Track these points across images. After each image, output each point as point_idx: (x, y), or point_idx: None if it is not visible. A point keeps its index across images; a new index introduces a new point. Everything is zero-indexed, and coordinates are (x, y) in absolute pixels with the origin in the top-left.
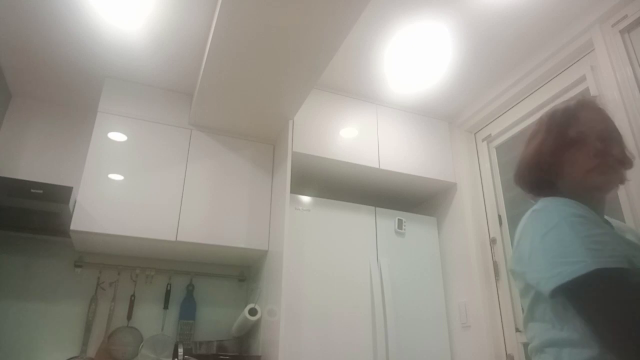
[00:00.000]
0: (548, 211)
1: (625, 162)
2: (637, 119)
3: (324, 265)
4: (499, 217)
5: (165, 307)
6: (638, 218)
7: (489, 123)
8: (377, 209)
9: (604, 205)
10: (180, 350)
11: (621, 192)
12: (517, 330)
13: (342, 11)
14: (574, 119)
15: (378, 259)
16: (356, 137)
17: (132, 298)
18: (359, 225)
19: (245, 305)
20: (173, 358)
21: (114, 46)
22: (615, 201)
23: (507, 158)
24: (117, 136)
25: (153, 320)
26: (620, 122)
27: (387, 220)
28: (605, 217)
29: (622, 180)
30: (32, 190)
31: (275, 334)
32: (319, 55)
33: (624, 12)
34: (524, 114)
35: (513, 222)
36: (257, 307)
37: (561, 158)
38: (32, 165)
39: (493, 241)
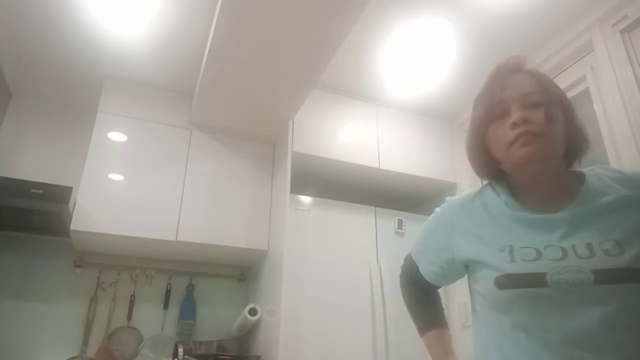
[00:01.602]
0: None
1: (552, 130)
2: (637, 119)
3: (324, 265)
4: None
5: (165, 307)
6: None
7: None
8: (377, 209)
9: (550, 183)
10: (180, 350)
11: None
12: None
13: (342, 11)
14: (492, 89)
15: (378, 259)
16: (356, 137)
17: (132, 298)
18: (359, 225)
19: (245, 305)
20: (173, 358)
21: (114, 46)
22: None
23: None
24: (117, 136)
25: (153, 320)
26: (621, 122)
27: (387, 220)
28: (586, 170)
29: (554, 152)
30: (32, 190)
31: (275, 334)
32: (319, 55)
33: (624, 12)
34: None
35: None
36: (257, 307)
37: (488, 137)
38: (32, 165)
39: None
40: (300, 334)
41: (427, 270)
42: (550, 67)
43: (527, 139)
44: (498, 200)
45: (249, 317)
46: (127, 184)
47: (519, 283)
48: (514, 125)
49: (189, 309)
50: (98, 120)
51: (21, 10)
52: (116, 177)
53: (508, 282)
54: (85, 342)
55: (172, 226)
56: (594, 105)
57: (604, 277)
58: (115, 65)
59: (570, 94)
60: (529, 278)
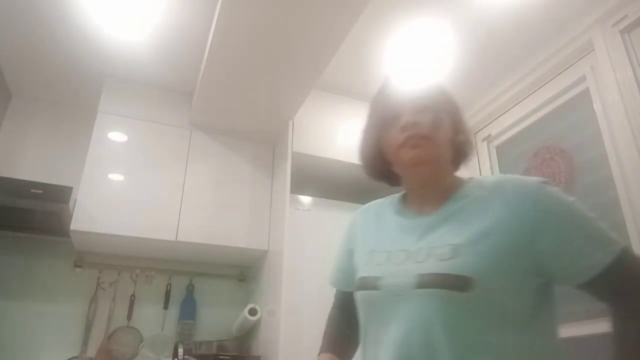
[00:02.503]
0: None
1: (438, 132)
2: (637, 119)
3: (324, 265)
4: None
5: (165, 307)
6: (638, 217)
7: (489, 123)
8: None
9: (435, 186)
10: (180, 350)
11: (621, 191)
12: None
13: (342, 11)
14: (387, 92)
15: None
16: (356, 137)
17: (132, 298)
18: None
19: (245, 305)
20: (173, 358)
21: (114, 46)
22: (615, 200)
23: (507, 158)
24: (117, 136)
25: (153, 320)
26: (620, 122)
27: None
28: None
29: (441, 154)
30: (32, 190)
31: (275, 333)
32: (319, 55)
33: (624, 12)
34: (524, 114)
35: None
36: (257, 307)
37: (381, 140)
38: (32, 165)
39: None
40: (300, 334)
41: (333, 276)
42: (550, 67)
43: (415, 141)
44: (386, 204)
45: (249, 317)
46: (127, 184)
47: (362, 285)
48: (403, 128)
49: (189, 309)
50: (98, 120)
51: (21, 10)
52: (116, 177)
53: (358, 284)
54: (85, 342)
55: (172, 226)
56: (594, 105)
57: (424, 281)
58: (115, 65)
59: (570, 94)
60: (370, 281)
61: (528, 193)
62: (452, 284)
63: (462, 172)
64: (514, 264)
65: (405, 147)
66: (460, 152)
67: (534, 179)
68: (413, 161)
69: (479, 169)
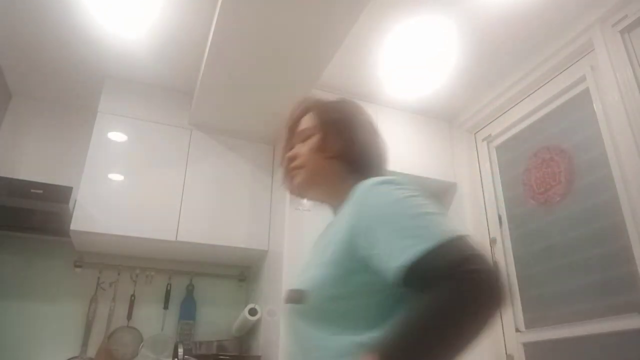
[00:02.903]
0: None
1: (316, 159)
2: (637, 119)
3: None
4: (499, 217)
5: (165, 307)
6: (638, 217)
7: (489, 123)
8: None
9: (333, 204)
10: (180, 350)
11: (621, 191)
12: (517, 330)
13: (342, 12)
14: (286, 132)
15: None
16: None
17: (132, 298)
18: None
19: (245, 305)
20: (173, 358)
21: (114, 46)
22: (615, 200)
23: (507, 158)
24: (117, 136)
25: (153, 320)
26: (620, 122)
27: None
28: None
29: (319, 178)
30: (32, 190)
31: (275, 334)
32: (319, 56)
33: (624, 12)
34: (524, 114)
35: (513, 222)
36: (257, 307)
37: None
38: (32, 165)
39: (493, 241)
40: None
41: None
42: (550, 67)
43: (291, 173)
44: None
45: (249, 317)
46: (127, 184)
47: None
48: (283, 163)
49: (189, 309)
50: (98, 120)
51: (21, 10)
52: (116, 177)
53: None
54: (85, 342)
55: (172, 226)
56: (594, 105)
57: (287, 297)
58: (116, 65)
59: (570, 94)
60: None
61: (357, 197)
62: (294, 297)
63: (463, 175)
64: (347, 271)
65: (287, 179)
66: (356, 162)
67: (370, 181)
68: (294, 191)
69: (479, 169)
